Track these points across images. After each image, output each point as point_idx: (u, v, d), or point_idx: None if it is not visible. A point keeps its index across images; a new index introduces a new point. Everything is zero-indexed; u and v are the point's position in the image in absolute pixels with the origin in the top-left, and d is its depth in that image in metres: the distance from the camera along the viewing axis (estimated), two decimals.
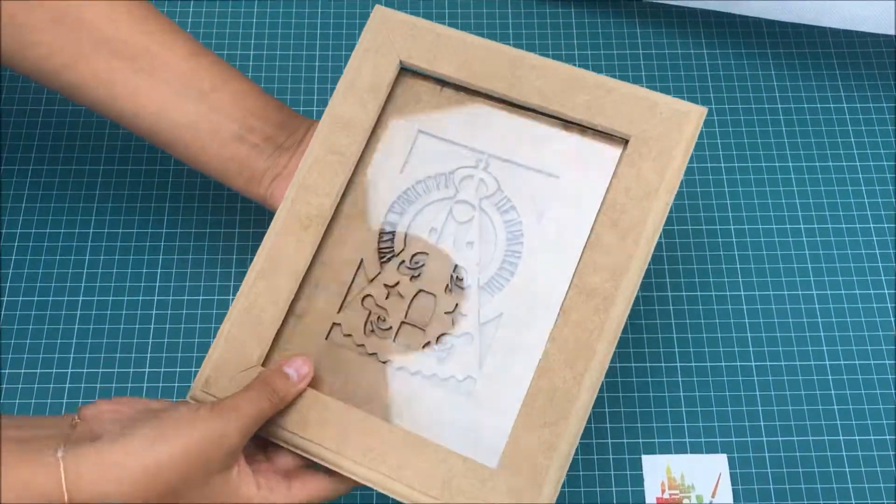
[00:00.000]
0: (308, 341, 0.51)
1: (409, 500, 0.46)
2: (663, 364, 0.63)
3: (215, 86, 0.53)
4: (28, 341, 0.64)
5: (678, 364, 0.63)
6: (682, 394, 0.62)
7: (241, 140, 0.53)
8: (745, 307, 0.65)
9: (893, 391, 0.62)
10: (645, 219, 0.48)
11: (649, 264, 0.64)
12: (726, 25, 0.75)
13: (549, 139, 0.51)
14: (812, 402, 0.62)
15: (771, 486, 0.59)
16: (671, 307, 0.65)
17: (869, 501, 0.59)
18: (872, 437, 0.61)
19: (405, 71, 0.54)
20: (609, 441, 0.61)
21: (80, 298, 0.65)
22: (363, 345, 0.50)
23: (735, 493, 0.59)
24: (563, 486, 0.59)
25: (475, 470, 0.46)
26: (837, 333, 0.64)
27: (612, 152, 0.50)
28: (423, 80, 0.54)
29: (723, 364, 0.63)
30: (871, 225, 0.67)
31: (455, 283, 0.50)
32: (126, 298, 0.65)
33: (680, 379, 0.63)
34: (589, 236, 0.49)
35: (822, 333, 0.64)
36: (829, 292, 0.65)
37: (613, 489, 0.59)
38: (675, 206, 0.68)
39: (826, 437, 0.61)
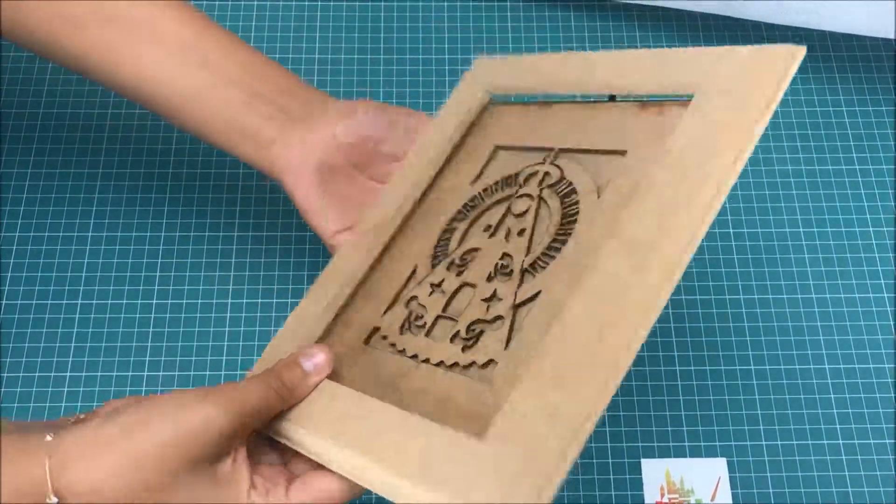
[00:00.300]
0: (348, 348, 0.48)
1: (380, 482, 0.39)
2: (662, 368, 0.63)
3: (223, 55, 0.52)
4: (27, 345, 0.63)
5: (677, 368, 0.63)
6: (681, 398, 0.62)
7: (250, 108, 0.52)
8: (744, 310, 0.65)
9: (893, 395, 0.62)
10: (708, 161, 0.38)
11: None
12: (724, 28, 0.75)
13: (623, 121, 0.46)
14: (811, 406, 0.62)
15: (770, 490, 0.59)
16: (670, 310, 0.65)
17: None
18: (872, 442, 0.61)
19: (495, 102, 0.54)
20: (608, 445, 0.61)
21: (79, 302, 0.65)
22: (395, 343, 0.47)
23: (734, 496, 0.59)
24: (561, 490, 0.59)
25: (459, 442, 0.37)
26: (837, 337, 0.64)
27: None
28: (511, 107, 0.52)
29: (722, 368, 0.63)
30: (871, 228, 0.67)
31: (499, 270, 0.46)
32: (125, 302, 0.65)
33: (679, 383, 0.63)
34: (640, 185, 0.40)
35: (821, 337, 0.64)
36: (828, 296, 0.65)
37: (612, 493, 0.59)
38: None
39: (825, 442, 0.61)
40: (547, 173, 0.47)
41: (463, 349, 0.44)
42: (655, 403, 0.62)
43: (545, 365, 0.37)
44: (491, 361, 0.42)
